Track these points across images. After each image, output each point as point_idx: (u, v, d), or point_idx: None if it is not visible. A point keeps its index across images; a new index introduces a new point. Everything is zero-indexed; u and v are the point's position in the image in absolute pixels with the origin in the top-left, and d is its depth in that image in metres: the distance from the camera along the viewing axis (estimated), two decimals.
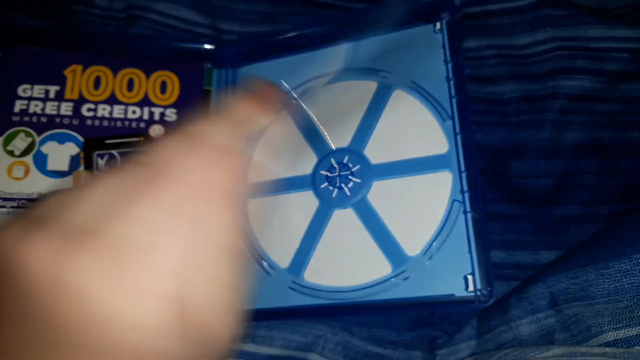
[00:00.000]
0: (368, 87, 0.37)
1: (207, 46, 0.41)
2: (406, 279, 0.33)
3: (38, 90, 0.39)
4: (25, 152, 0.37)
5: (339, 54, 0.39)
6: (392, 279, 0.33)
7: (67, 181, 0.37)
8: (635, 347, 0.25)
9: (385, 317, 0.35)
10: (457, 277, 0.32)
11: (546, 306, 0.30)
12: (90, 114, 0.38)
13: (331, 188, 0.36)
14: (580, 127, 0.38)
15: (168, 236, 0.15)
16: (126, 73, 0.39)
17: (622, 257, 0.27)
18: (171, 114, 0.39)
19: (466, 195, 0.33)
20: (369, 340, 0.34)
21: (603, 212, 0.37)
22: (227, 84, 0.40)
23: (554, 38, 0.39)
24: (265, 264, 0.35)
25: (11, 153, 0.37)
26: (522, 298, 0.31)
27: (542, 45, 0.40)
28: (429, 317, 0.35)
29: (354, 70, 0.38)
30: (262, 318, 0.35)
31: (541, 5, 0.40)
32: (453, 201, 0.34)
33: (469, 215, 0.33)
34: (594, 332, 0.27)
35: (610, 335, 0.26)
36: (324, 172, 0.36)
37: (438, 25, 0.37)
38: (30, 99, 0.38)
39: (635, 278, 0.26)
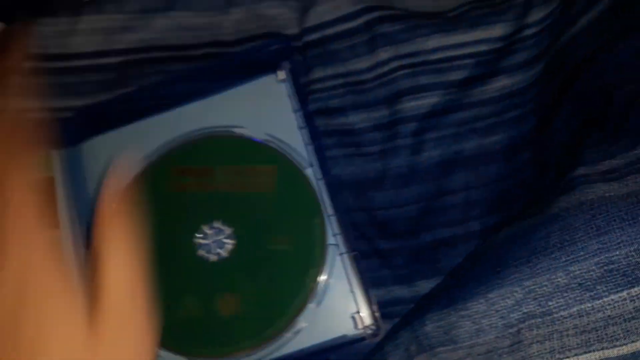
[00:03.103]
0: None
1: None
2: (299, 331, 0.34)
3: None
4: None
5: (187, 115, 0.38)
6: (286, 335, 0.34)
7: None
8: None
9: None
10: (346, 318, 0.34)
11: (416, 351, 0.30)
12: None
13: (207, 255, 0.36)
14: (437, 145, 0.38)
15: None
16: None
17: (477, 296, 0.27)
18: None
19: (338, 237, 0.35)
20: None
21: (474, 229, 0.37)
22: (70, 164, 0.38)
23: (394, 57, 0.38)
24: (159, 351, 0.34)
25: None
26: (397, 345, 0.31)
27: (385, 66, 0.38)
28: None
29: (209, 130, 0.38)
30: None
31: (376, 22, 0.38)
32: (328, 245, 0.35)
33: (344, 255, 0.35)
34: None
35: None
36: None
37: (281, 75, 0.38)
38: None
39: (492, 319, 0.27)
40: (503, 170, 0.37)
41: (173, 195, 0.37)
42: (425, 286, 0.36)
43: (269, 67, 0.38)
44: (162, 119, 0.39)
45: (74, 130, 0.39)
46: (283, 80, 0.38)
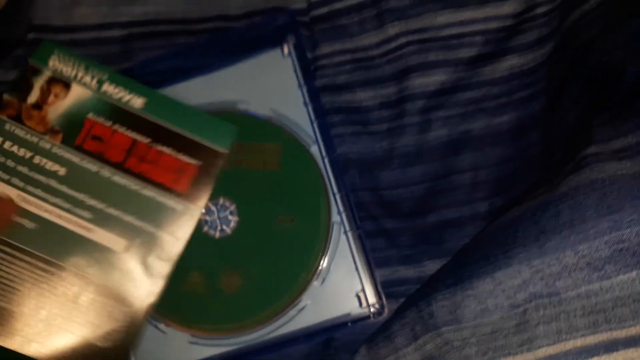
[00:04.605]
0: None
1: None
2: (303, 308, 0.34)
3: None
4: None
5: (191, 89, 0.38)
6: (290, 311, 0.34)
7: None
8: None
9: (290, 350, 0.35)
10: (350, 296, 0.34)
11: (422, 332, 0.30)
12: None
13: (212, 231, 0.35)
14: (444, 123, 0.37)
15: None
16: None
17: (484, 275, 0.27)
18: None
19: (343, 215, 0.35)
20: None
21: (481, 210, 0.36)
22: None
23: (402, 33, 0.38)
24: (161, 325, 0.34)
25: None
26: (403, 324, 0.31)
27: (393, 42, 0.38)
28: (324, 349, 0.35)
29: (213, 105, 0.37)
30: None
31: None
32: (332, 223, 0.35)
33: (349, 234, 0.35)
34: None
35: None
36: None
37: (285, 49, 0.37)
38: None
39: (498, 299, 0.27)
40: (511, 150, 0.37)
41: None
42: (431, 267, 0.35)
43: (274, 42, 0.38)
44: (166, 93, 0.38)
45: None
46: (288, 55, 0.37)
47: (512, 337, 0.26)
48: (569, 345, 0.25)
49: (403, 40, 0.38)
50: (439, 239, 0.36)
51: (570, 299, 0.25)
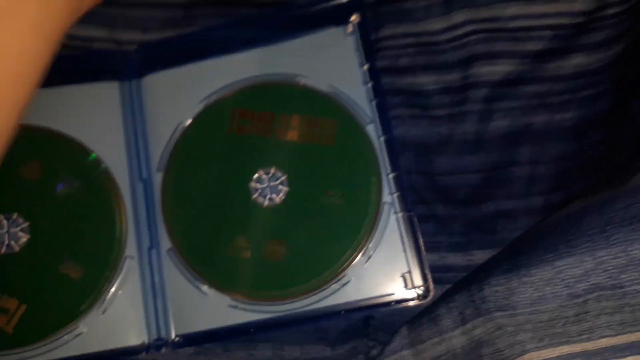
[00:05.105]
0: None
1: None
2: (346, 283, 0.34)
3: None
4: None
5: (251, 59, 0.38)
6: (333, 285, 0.34)
7: None
8: None
9: (328, 323, 0.35)
10: (396, 277, 0.33)
11: (472, 316, 0.29)
12: None
13: (261, 199, 0.35)
14: (506, 115, 0.37)
15: None
16: None
17: (543, 264, 0.27)
18: None
19: (395, 196, 0.35)
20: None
21: (537, 204, 0.35)
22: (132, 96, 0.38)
23: (470, 20, 0.37)
24: (203, 287, 0.34)
25: None
26: (451, 308, 0.31)
27: (459, 29, 0.37)
28: (363, 327, 0.35)
29: (273, 76, 0.37)
30: (203, 341, 0.34)
31: None
32: (383, 203, 0.35)
33: (399, 215, 0.34)
34: (518, 350, 0.27)
35: (534, 356, 0.26)
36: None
37: (350, 28, 0.37)
38: None
39: (557, 287, 0.26)
40: (572, 148, 0.36)
41: (232, 138, 0.37)
42: (479, 256, 0.35)
43: (338, 20, 0.38)
44: (226, 61, 0.38)
45: (136, 63, 0.39)
46: (351, 34, 0.37)
47: (571, 326, 0.26)
48: (633, 337, 0.24)
49: (470, 28, 0.37)
50: (491, 230, 0.35)
51: (636, 292, 0.24)
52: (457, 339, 0.30)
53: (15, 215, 0.35)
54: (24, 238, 0.34)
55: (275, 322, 0.34)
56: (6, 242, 0.34)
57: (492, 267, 0.30)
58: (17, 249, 0.34)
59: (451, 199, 0.36)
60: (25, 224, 0.35)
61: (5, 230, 0.35)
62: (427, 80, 0.38)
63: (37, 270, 0.34)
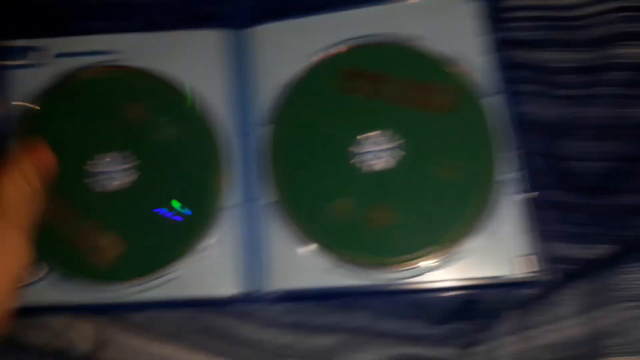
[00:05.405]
0: None
1: None
2: (452, 260, 0.32)
3: None
4: None
5: (365, 17, 0.36)
6: (438, 260, 0.32)
7: None
8: None
9: (428, 299, 0.34)
10: (508, 259, 0.32)
11: (597, 304, 0.28)
12: None
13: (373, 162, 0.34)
14: None
15: None
16: None
17: None
18: None
19: (514, 175, 0.33)
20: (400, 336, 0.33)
21: None
22: (240, 45, 0.36)
23: None
24: (304, 244, 0.33)
25: None
26: (570, 295, 0.29)
27: (601, 4, 0.35)
28: (465, 308, 0.33)
29: (388, 36, 0.36)
30: (297, 299, 0.33)
31: None
32: (500, 181, 0.33)
33: (517, 196, 0.32)
34: None
35: None
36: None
37: None
38: None
39: None
40: None
41: (341, 97, 0.35)
42: (601, 252, 0.32)
43: None
44: (340, 16, 0.37)
45: (247, 13, 0.37)
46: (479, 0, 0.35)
47: None
48: None
49: (614, 4, 0.35)
50: (619, 225, 0.33)
51: None
52: (576, 328, 0.28)
53: (126, 154, 0.35)
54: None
55: (374, 291, 0.33)
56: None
57: (621, 257, 0.29)
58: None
59: (576, 187, 0.34)
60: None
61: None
62: (559, 58, 0.35)
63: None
